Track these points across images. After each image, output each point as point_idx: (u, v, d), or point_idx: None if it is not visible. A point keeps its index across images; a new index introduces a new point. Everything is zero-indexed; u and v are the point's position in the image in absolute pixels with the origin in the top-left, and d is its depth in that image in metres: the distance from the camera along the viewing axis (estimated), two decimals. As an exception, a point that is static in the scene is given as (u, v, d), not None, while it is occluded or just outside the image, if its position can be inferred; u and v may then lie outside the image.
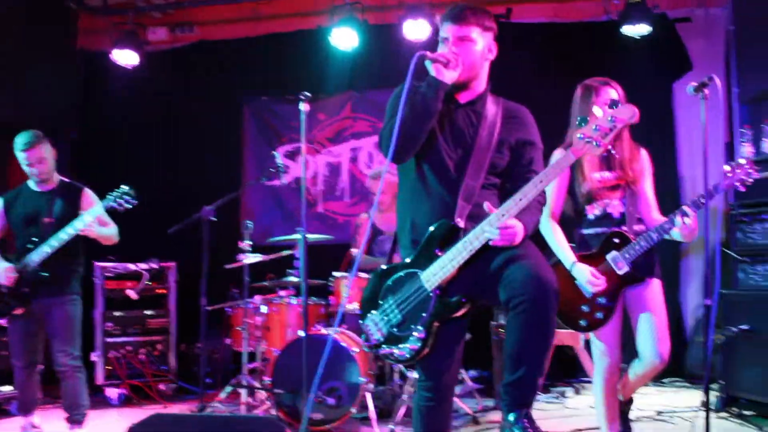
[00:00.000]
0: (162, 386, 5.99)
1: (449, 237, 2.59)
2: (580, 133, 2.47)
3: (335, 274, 5.14)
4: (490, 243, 2.49)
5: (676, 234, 3.22)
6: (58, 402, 4.93)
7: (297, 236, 5.00)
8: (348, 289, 4.96)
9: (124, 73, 6.86)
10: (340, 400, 4.46)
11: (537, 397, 2.75)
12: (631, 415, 3.75)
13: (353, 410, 4.47)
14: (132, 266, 6.02)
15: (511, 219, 2.48)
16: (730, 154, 5.82)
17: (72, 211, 4.27)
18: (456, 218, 2.60)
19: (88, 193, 4.47)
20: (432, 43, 5.89)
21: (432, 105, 2.58)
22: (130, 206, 4.21)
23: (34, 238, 4.24)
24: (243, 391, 5.13)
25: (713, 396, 4.61)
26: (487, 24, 2.70)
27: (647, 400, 5.18)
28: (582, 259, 3.26)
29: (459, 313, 2.60)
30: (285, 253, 5.48)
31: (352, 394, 4.46)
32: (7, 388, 5.24)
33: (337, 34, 6.37)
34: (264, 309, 5.19)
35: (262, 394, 5.12)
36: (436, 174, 2.68)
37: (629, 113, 2.44)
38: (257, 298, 5.26)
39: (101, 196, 4.34)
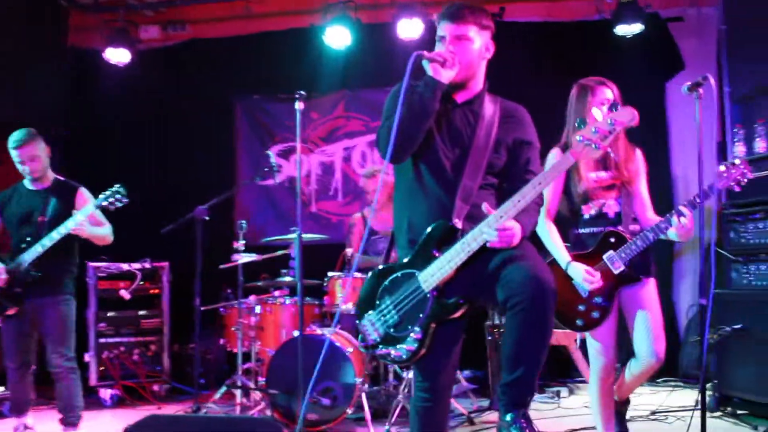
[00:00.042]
0: (155, 387, 5.97)
1: (447, 238, 2.58)
2: (579, 136, 2.47)
3: (330, 273, 5.13)
4: (488, 245, 2.48)
5: (672, 234, 3.23)
6: (51, 403, 4.90)
7: (291, 236, 4.98)
8: (343, 289, 4.95)
9: (116, 71, 6.83)
10: (336, 401, 4.45)
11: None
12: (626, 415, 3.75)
13: (349, 411, 4.47)
14: (125, 266, 5.99)
15: (510, 221, 2.47)
16: (723, 154, 5.85)
17: (66, 211, 4.22)
18: (454, 219, 2.59)
19: (83, 192, 4.44)
20: (425, 42, 5.96)
21: (429, 105, 2.57)
22: (121, 205, 4.17)
23: (27, 238, 4.21)
24: (238, 392, 5.12)
25: (706, 395, 4.62)
26: (484, 23, 2.69)
27: (641, 400, 5.19)
28: (578, 258, 3.27)
29: (456, 315, 2.58)
30: (279, 252, 5.46)
31: (348, 394, 4.45)
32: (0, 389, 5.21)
33: (330, 33, 6.35)
34: (258, 309, 5.17)
35: (256, 395, 5.10)
36: (433, 174, 2.67)
37: (629, 116, 2.44)
38: (251, 299, 5.24)
39: (92, 194, 4.31)
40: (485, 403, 5.25)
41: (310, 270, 4.65)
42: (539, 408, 5.19)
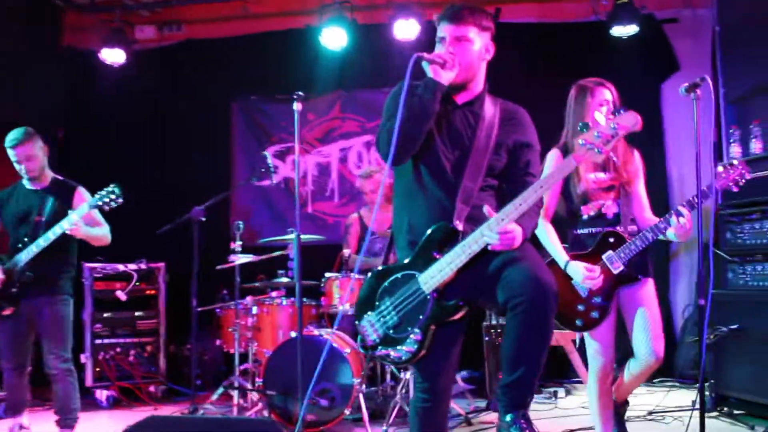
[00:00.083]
0: (152, 388, 5.95)
1: (447, 240, 2.58)
2: (582, 139, 2.47)
3: (327, 274, 5.12)
4: (489, 247, 2.48)
5: (671, 234, 3.24)
6: (47, 404, 4.89)
7: (288, 237, 4.98)
8: (340, 290, 4.95)
9: (111, 72, 6.81)
10: (333, 402, 4.45)
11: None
12: (623, 415, 3.76)
13: (346, 411, 4.46)
14: (121, 267, 5.97)
15: (511, 223, 2.47)
16: (719, 154, 5.86)
17: (64, 210, 4.18)
18: (454, 221, 2.58)
19: (82, 192, 4.40)
20: (421, 43, 5.97)
21: (429, 106, 2.56)
22: (116, 205, 4.10)
23: (25, 238, 4.19)
24: (235, 393, 5.10)
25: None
26: (484, 24, 2.68)
27: (638, 400, 5.20)
28: (577, 258, 3.28)
29: (456, 317, 2.58)
30: (277, 253, 5.45)
31: (345, 395, 4.45)
32: (-5, 389, 5.19)
33: (326, 34, 6.35)
34: (255, 310, 5.16)
35: (254, 396, 5.09)
36: (433, 175, 2.67)
37: (632, 121, 2.44)
38: (248, 299, 5.23)
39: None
40: (482, 403, 5.26)
41: (306, 271, 4.65)
42: (536, 408, 5.19)
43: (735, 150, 4.96)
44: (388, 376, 5.08)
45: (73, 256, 4.42)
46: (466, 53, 2.65)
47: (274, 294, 5.37)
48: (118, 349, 5.89)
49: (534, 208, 2.58)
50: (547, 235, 3.33)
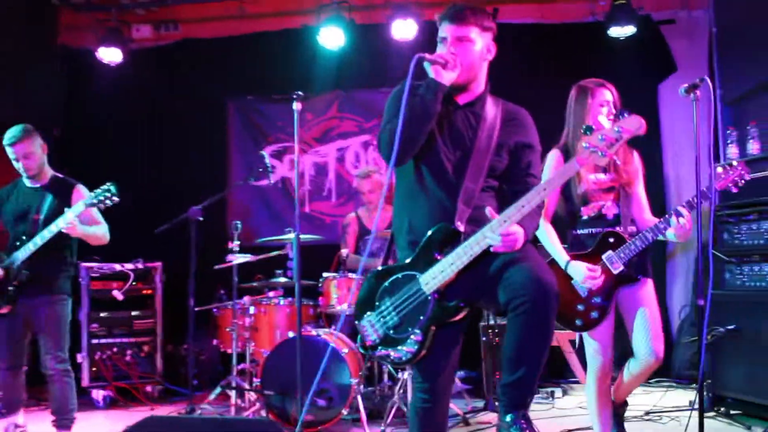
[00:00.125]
0: (148, 388, 5.93)
1: (449, 241, 2.58)
2: (585, 142, 2.47)
3: (325, 274, 5.11)
4: (491, 249, 2.48)
5: (670, 234, 3.25)
6: (44, 404, 4.87)
7: (286, 237, 4.98)
8: (338, 290, 4.94)
9: (108, 71, 6.78)
10: (331, 402, 4.45)
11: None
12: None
13: (344, 411, 4.46)
14: (118, 266, 5.95)
15: (513, 225, 2.47)
16: (716, 155, 5.88)
17: (62, 208, 4.12)
18: (456, 222, 2.58)
19: (81, 190, 4.36)
20: (419, 43, 5.96)
21: (431, 107, 2.56)
22: (112, 203, 4.06)
23: (23, 236, 4.16)
24: (232, 393, 5.10)
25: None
26: (486, 24, 2.68)
27: (635, 401, 5.20)
28: (577, 258, 3.28)
29: (457, 318, 2.59)
30: (274, 253, 5.44)
31: (343, 395, 4.45)
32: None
33: (324, 34, 6.34)
34: (252, 310, 5.15)
35: (251, 396, 5.08)
36: (434, 176, 2.67)
37: (636, 124, 2.44)
38: (246, 299, 5.22)
39: (86, 194, 4.27)
40: (480, 403, 5.26)
41: (304, 271, 4.64)
42: (533, 408, 5.18)
43: (732, 151, 4.98)
44: (386, 376, 5.08)
45: (72, 255, 4.39)
46: (468, 54, 2.64)
47: (271, 294, 5.36)
48: (115, 349, 5.87)
49: (535, 210, 2.58)
50: (548, 235, 3.33)
